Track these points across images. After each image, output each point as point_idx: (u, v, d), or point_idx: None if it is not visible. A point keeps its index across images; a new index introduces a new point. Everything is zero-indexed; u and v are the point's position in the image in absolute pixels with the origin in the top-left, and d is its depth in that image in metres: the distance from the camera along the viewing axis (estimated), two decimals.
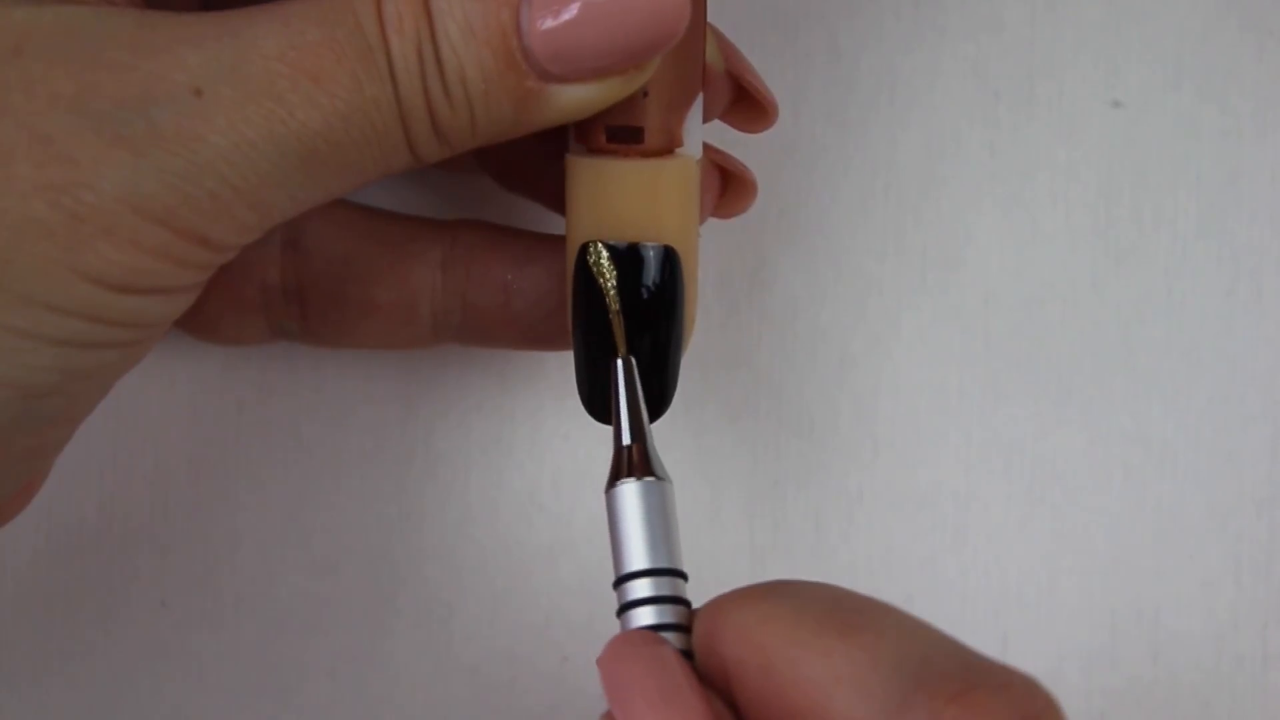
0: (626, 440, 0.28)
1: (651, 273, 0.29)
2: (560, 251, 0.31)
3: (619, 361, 0.29)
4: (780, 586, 0.26)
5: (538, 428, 0.37)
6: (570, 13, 0.26)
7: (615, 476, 0.28)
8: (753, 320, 0.37)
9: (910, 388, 0.37)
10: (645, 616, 0.27)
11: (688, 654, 0.26)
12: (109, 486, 0.36)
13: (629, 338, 0.29)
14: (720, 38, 0.31)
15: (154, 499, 0.36)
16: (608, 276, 0.29)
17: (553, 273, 0.32)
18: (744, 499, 0.37)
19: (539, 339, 0.33)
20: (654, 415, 0.29)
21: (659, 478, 0.27)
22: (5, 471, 0.27)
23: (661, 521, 0.27)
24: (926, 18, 0.36)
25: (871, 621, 0.25)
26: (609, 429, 0.29)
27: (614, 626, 0.28)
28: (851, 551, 0.37)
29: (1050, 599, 0.37)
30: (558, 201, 0.31)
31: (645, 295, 0.29)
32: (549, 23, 0.26)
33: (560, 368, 0.37)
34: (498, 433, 0.37)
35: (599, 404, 0.30)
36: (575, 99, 0.27)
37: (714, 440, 0.37)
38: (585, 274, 0.29)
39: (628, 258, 0.29)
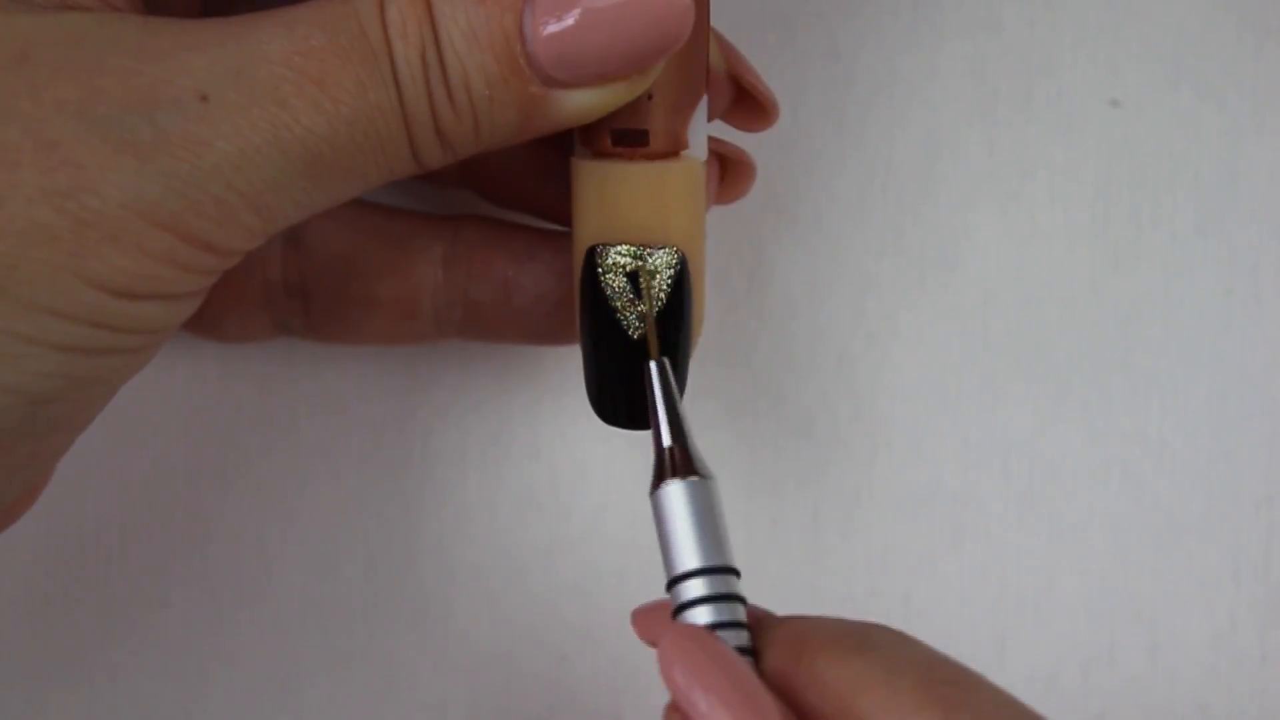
0: (667, 442, 0.28)
1: (660, 275, 0.29)
2: (561, 247, 0.31)
3: (653, 365, 0.29)
4: (869, 638, 0.25)
5: (535, 428, 0.37)
6: (573, 18, 0.26)
7: (659, 478, 0.27)
8: (751, 319, 0.37)
9: (909, 387, 0.37)
10: (702, 616, 0.26)
11: (745, 650, 0.26)
12: (109, 486, 0.36)
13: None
14: (719, 39, 0.31)
15: (154, 499, 0.36)
16: (653, 285, 0.29)
17: (553, 269, 0.32)
18: (743, 499, 0.37)
19: (540, 334, 0.33)
20: None
21: (703, 476, 0.27)
22: (9, 477, 0.27)
23: (710, 519, 0.27)
24: (925, 17, 0.36)
25: (970, 698, 0.24)
26: (608, 429, 0.29)
27: (612, 627, 0.28)
28: (850, 551, 0.37)
29: (1049, 599, 0.37)
30: (546, 211, 0.30)
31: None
32: (552, 28, 0.26)
33: (558, 367, 0.37)
34: (496, 432, 0.37)
35: (607, 406, 0.30)
36: (579, 104, 0.27)
37: (713, 439, 0.37)
38: (593, 277, 0.29)
39: (635, 261, 0.29)
